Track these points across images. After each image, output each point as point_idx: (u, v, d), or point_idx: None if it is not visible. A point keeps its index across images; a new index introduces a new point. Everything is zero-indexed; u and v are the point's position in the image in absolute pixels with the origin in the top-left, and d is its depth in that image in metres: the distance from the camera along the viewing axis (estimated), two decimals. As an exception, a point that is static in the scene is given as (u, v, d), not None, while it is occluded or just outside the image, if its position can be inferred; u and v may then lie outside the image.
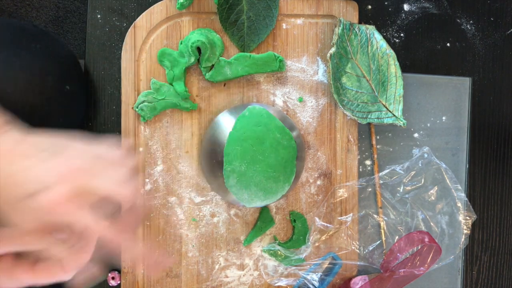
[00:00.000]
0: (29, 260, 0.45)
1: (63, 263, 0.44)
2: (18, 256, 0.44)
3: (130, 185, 0.44)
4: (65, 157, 0.43)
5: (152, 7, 0.66)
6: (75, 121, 0.67)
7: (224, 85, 0.68)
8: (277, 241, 0.68)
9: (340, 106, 0.67)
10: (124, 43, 0.66)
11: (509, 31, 0.73)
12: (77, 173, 0.42)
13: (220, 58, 0.66)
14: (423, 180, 0.70)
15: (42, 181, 0.41)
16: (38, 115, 0.61)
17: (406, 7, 0.72)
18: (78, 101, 0.66)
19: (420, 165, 0.70)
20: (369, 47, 0.68)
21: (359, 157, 0.70)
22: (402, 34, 0.72)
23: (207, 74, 0.66)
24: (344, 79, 0.68)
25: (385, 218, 0.70)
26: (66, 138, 0.45)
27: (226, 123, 0.65)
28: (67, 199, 0.40)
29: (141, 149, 0.67)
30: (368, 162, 0.71)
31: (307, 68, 0.69)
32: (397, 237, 0.70)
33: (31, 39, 0.61)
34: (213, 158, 0.65)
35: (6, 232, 0.42)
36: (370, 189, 0.70)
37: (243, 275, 0.68)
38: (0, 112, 0.44)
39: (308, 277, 0.68)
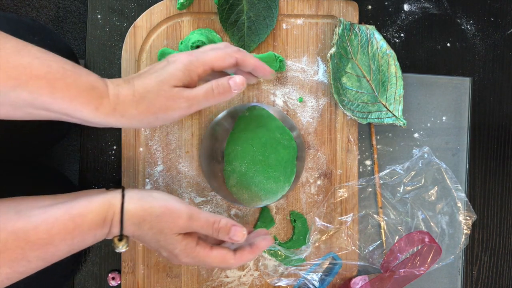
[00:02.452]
0: (208, 244, 0.54)
1: (236, 255, 0.54)
2: (200, 239, 0.54)
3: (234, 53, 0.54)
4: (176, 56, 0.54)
5: (152, 7, 0.66)
6: None
7: (224, 85, 0.67)
8: (277, 241, 0.68)
9: (340, 106, 0.67)
10: (124, 43, 0.66)
11: (509, 31, 0.73)
12: (190, 53, 0.54)
13: (220, 58, 0.66)
14: (423, 180, 0.70)
15: (165, 61, 0.53)
16: None
17: (406, 7, 0.72)
18: None
19: (420, 165, 0.70)
20: (369, 47, 0.68)
21: (359, 157, 0.70)
22: (402, 34, 0.72)
23: (207, 74, 0.66)
24: (344, 79, 0.68)
25: (385, 218, 0.70)
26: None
27: (226, 123, 0.65)
28: (190, 53, 0.53)
29: (141, 149, 0.67)
30: (368, 162, 0.71)
31: (307, 68, 0.69)
32: (397, 237, 0.70)
33: (29, 32, 0.61)
34: (213, 158, 0.65)
35: None
36: (370, 189, 0.70)
37: (243, 275, 0.68)
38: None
39: (308, 277, 0.68)
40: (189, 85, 0.53)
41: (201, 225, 0.53)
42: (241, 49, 0.56)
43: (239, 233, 0.54)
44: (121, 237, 0.51)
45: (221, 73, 0.57)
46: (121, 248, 0.52)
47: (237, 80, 0.53)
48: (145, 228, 0.51)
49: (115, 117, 0.49)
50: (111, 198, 0.51)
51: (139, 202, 0.51)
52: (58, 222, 0.47)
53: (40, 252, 0.47)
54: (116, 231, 0.51)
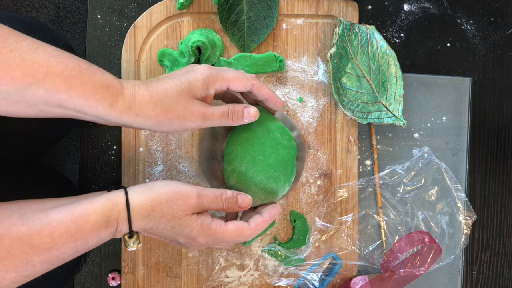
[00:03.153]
0: (222, 219, 0.56)
1: (250, 225, 0.56)
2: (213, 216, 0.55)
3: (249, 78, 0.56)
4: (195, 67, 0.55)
5: (152, 7, 0.66)
6: None
7: (224, 85, 0.68)
8: (277, 241, 0.68)
9: (340, 106, 0.67)
10: (124, 43, 0.66)
11: (509, 31, 0.73)
12: (210, 67, 0.55)
13: (220, 58, 0.66)
14: (423, 180, 0.70)
15: (187, 69, 0.54)
16: None
17: (406, 7, 0.72)
18: None
19: (420, 165, 0.70)
20: (369, 47, 0.68)
21: (359, 157, 0.70)
22: (402, 34, 0.72)
23: (207, 74, 0.66)
24: (344, 79, 0.68)
25: (385, 218, 0.70)
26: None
27: None
28: (210, 68, 0.54)
29: (141, 149, 0.67)
30: (368, 162, 0.71)
31: (307, 68, 0.69)
32: (397, 237, 0.70)
33: (30, 30, 0.61)
34: (213, 158, 0.65)
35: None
36: (370, 189, 0.70)
37: (244, 275, 0.68)
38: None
39: (308, 277, 0.68)
40: (205, 99, 0.54)
41: (210, 200, 0.54)
42: (257, 78, 0.58)
43: (246, 199, 0.57)
44: (131, 234, 0.51)
45: (232, 97, 0.60)
46: (133, 245, 0.51)
47: (251, 112, 0.56)
48: (157, 218, 0.51)
49: (129, 116, 0.50)
50: (114, 197, 0.51)
51: (144, 194, 0.51)
52: (60, 226, 0.47)
53: (44, 256, 0.47)
54: (124, 228, 0.50)
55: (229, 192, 0.56)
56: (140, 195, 0.51)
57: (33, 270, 0.47)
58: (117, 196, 0.51)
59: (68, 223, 0.48)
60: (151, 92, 0.51)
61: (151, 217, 0.51)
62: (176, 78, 0.53)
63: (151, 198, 0.51)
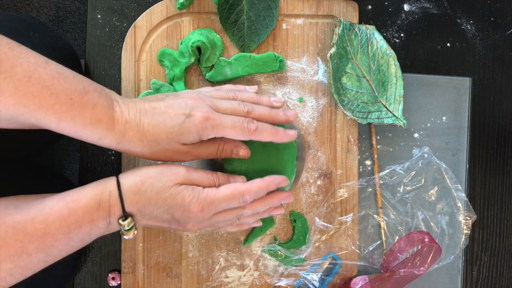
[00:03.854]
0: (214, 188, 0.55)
1: (246, 183, 0.55)
2: None
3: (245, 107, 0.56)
4: (187, 94, 0.56)
5: (152, 7, 0.66)
6: None
7: (224, 85, 0.68)
8: (277, 241, 0.68)
9: (340, 106, 0.67)
10: (124, 43, 0.66)
11: (509, 31, 0.73)
12: (203, 98, 0.55)
13: (220, 58, 0.66)
14: (423, 180, 0.70)
15: (184, 110, 0.53)
16: None
17: (406, 7, 0.72)
18: None
19: (420, 165, 0.70)
20: (369, 47, 0.68)
21: (359, 157, 0.70)
22: (402, 34, 0.72)
23: (207, 74, 0.66)
24: (344, 79, 0.68)
25: (385, 218, 0.70)
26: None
27: None
28: (209, 113, 0.53)
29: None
30: (368, 162, 0.71)
31: (307, 68, 0.69)
32: (397, 237, 0.70)
33: (30, 29, 0.61)
34: (213, 159, 0.64)
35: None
36: (370, 189, 0.70)
37: (244, 275, 0.68)
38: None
39: (308, 277, 0.68)
40: (194, 143, 0.54)
41: (201, 175, 0.54)
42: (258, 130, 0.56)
43: (238, 179, 0.56)
44: (125, 215, 0.51)
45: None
46: (127, 229, 0.51)
47: (240, 152, 0.56)
48: (147, 191, 0.51)
49: (117, 148, 0.52)
50: (105, 181, 0.52)
51: (134, 172, 0.53)
52: (53, 211, 0.48)
53: (38, 243, 0.47)
54: (117, 210, 0.50)
55: (219, 173, 0.56)
56: (129, 174, 0.52)
57: (29, 260, 0.47)
58: (108, 180, 0.52)
59: (60, 208, 0.48)
60: (141, 134, 0.51)
61: (142, 191, 0.51)
62: (170, 121, 0.52)
63: (141, 174, 0.52)
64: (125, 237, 0.52)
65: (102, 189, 0.50)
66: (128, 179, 0.52)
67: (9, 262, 0.46)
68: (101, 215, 0.50)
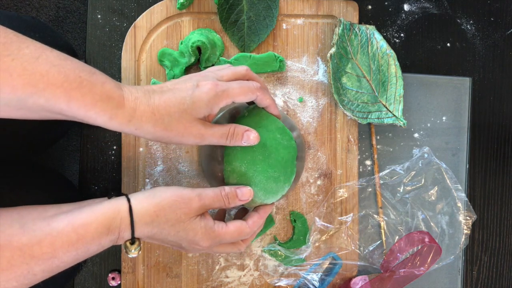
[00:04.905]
0: (222, 221, 0.57)
1: (248, 223, 0.57)
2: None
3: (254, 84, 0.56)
4: (193, 76, 0.55)
5: (152, 7, 0.66)
6: None
7: (224, 85, 0.68)
8: (277, 241, 0.68)
9: (340, 106, 0.67)
10: (124, 43, 0.66)
11: (509, 31, 0.73)
12: (209, 71, 0.56)
13: (221, 58, 0.66)
14: (423, 180, 0.70)
15: (191, 83, 0.53)
16: None
17: (406, 7, 0.72)
18: None
19: (420, 165, 0.70)
20: (369, 47, 0.68)
21: (359, 157, 0.70)
22: (402, 34, 0.72)
23: (207, 74, 0.66)
24: (344, 79, 0.68)
25: (385, 218, 0.70)
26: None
27: (226, 122, 0.65)
28: (216, 84, 0.53)
29: (141, 149, 0.67)
30: (368, 162, 0.71)
31: (307, 68, 0.69)
32: (397, 237, 0.70)
33: (30, 29, 0.61)
34: (213, 158, 0.64)
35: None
36: (370, 189, 0.70)
37: (244, 275, 0.68)
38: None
39: (308, 277, 0.68)
40: (208, 117, 0.55)
41: (212, 198, 0.54)
42: (262, 85, 0.58)
43: (245, 191, 0.57)
44: (133, 240, 0.51)
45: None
46: (134, 251, 0.51)
47: (251, 137, 0.56)
48: (161, 223, 0.51)
49: (129, 128, 0.50)
50: (116, 205, 0.50)
51: (147, 200, 0.52)
52: (61, 235, 0.47)
53: (45, 266, 0.47)
54: (127, 235, 0.50)
55: (227, 188, 0.56)
56: (143, 201, 0.51)
57: (34, 279, 0.47)
58: (119, 203, 0.51)
59: (69, 233, 0.48)
60: (152, 108, 0.50)
61: (155, 223, 0.51)
62: (180, 93, 0.52)
63: (154, 204, 0.51)
64: (130, 256, 0.52)
65: (113, 214, 0.50)
66: (141, 206, 0.51)
67: (15, 282, 0.46)
68: (109, 239, 0.50)
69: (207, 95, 0.52)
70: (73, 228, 0.48)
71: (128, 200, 0.51)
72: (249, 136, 0.56)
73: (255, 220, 0.58)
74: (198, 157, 0.67)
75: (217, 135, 0.54)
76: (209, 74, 0.55)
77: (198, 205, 0.53)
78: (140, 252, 0.53)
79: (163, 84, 0.54)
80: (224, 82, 0.54)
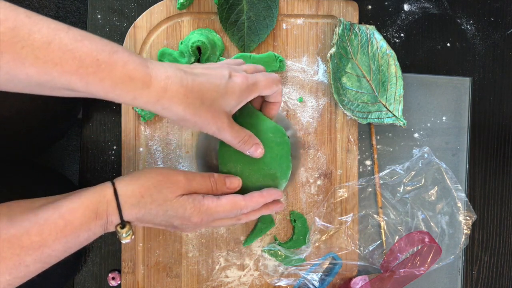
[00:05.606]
0: (214, 196, 0.55)
1: (246, 196, 0.55)
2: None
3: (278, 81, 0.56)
4: (218, 65, 0.55)
5: (152, 7, 0.66)
6: (73, 111, 0.67)
7: (224, 85, 0.68)
8: (277, 241, 0.68)
9: (340, 106, 0.67)
10: (124, 43, 0.66)
11: (509, 31, 0.73)
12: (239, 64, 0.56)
13: (221, 58, 0.66)
14: (423, 180, 0.70)
15: (223, 75, 0.51)
16: (37, 103, 0.61)
17: (406, 7, 0.72)
18: None
19: (420, 165, 0.70)
20: (369, 47, 0.68)
21: (359, 157, 0.70)
22: (402, 34, 0.72)
23: (207, 74, 0.66)
24: (344, 79, 0.68)
25: (385, 218, 0.70)
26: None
27: None
28: (246, 77, 0.52)
29: (141, 149, 0.67)
30: (368, 162, 0.71)
31: (307, 68, 0.69)
32: (397, 237, 0.70)
33: None
34: (208, 159, 0.65)
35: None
36: (370, 189, 0.70)
37: (244, 275, 0.68)
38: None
39: (308, 277, 0.68)
40: (232, 111, 0.54)
41: (199, 182, 0.54)
42: (279, 78, 0.58)
43: (234, 181, 0.57)
44: (123, 224, 0.51)
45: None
46: (126, 236, 0.51)
47: (258, 151, 0.57)
48: (148, 203, 0.51)
49: (155, 107, 0.48)
50: (101, 189, 0.50)
51: (131, 182, 0.51)
52: (49, 223, 0.47)
53: (35, 255, 0.47)
54: (115, 219, 0.50)
55: (216, 175, 0.56)
56: (128, 183, 0.51)
57: (27, 270, 0.47)
58: (103, 188, 0.50)
59: (56, 220, 0.47)
60: (185, 89, 0.48)
61: (141, 204, 0.50)
62: (215, 80, 0.51)
63: (139, 185, 0.51)
64: (123, 241, 0.52)
65: (99, 198, 0.49)
66: (126, 188, 0.51)
67: (7, 275, 0.46)
68: (98, 224, 0.49)
69: (239, 87, 0.51)
70: (59, 215, 0.47)
71: (113, 184, 0.51)
72: (256, 150, 0.56)
73: (254, 195, 0.56)
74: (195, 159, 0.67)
75: (234, 135, 0.54)
76: (234, 66, 0.55)
77: (184, 184, 0.52)
78: (133, 237, 0.52)
79: (193, 66, 0.52)
80: (251, 75, 0.54)
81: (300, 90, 0.68)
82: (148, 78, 0.46)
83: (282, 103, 0.68)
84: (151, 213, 0.51)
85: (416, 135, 0.72)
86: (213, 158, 0.63)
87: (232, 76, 0.52)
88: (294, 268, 0.68)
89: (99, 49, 0.45)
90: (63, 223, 0.47)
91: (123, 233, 0.51)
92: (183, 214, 0.52)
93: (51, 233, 0.47)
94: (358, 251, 0.69)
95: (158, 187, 0.51)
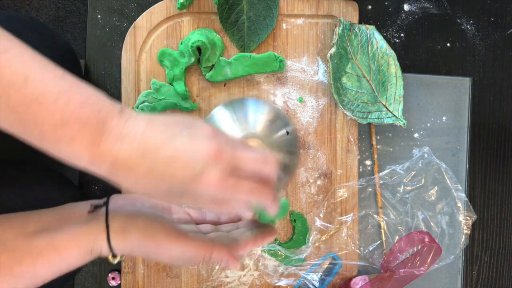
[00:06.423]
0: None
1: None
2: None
3: (272, 160, 0.44)
4: (203, 137, 0.42)
5: (152, 7, 0.66)
6: None
7: (224, 85, 0.68)
8: (277, 241, 0.68)
9: (340, 106, 0.67)
10: (124, 43, 0.66)
11: (509, 31, 0.73)
12: (224, 150, 0.41)
13: (220, 58, 0.66)
14: (423, 180, 0.70)
15: (195, 165, 0.40)
16: None
17: (406, 7, 0.72)
18: None
19: (420, 165, 0.70)
20: (369, 47, 0.68)
21: (359, 157, 0.70)
22: (402, 34, 0.72)
23: (207, 74, 0.66)
24: (344, 79, 0.68)
25: (385, 218, 0.70)
26: (184, 117, 0.45)
27: (221, 117, 0.65)
28: (223, 181, 0.41)
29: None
30: (368, 162, 0.71)
31: (307, 68, 0.69)
32: (397, 237, 0.70)
33: (28, 30, 0.61)
34: None
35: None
36: (370, 189, 0.70)
37: (244, 275, 0.68)
38: (110, 99, 0.43)
39: (308, 277, 0.68)
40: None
41: (195, 253, 0.50)
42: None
43: (233, 264, 0.50)
44: (114, 255, 0.50)
45: None
46: (115, 261, 0.51)
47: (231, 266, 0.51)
48: (144, 251, 0.50)
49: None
50: (95, 231, 0.49)
51: (126, 231, 0.49)
52: (42, 256, 0.47)
53: (28, 282, 0.47)
54: (106, 253, 0.50)
55: (215, 254, 0.49)
56: (120, 236, 0.49)
57: None
58: (98, 231, 0.49)
59: (50, 255, 0.47)
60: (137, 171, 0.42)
61: (136, 250, 0.50)
62: (178, 171, 0.41)
63: (134, 237, 0.49)
64: (112, 262, 0.51)
65: (93, 240, 0.48)
66: (117, 241, 0.48)
67: None
68: (91, 257, 0.49)
69: (207, 191, 0.41)
70: (54, 249, 0.47)
71: (107, 226, 0.49)
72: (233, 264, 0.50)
73: (247, 244, 0.51)
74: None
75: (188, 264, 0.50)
76: (226, 148, 0.42)
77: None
78: (123, 258, 0.53)
79: (172, 132, 0.42)
80: (235, 178, 0.42)
81: (300, 90, 0.68)
82: (99, 155, 0.41)
83: (282, 103, 0.68)
84: (149, 253, 0.51)
85: (416, 135, 0.71)
86: None
87: (206, 169, 0.40)
88: (294, 268, 0.68)
89: (46, 118, 0.40)
90: (57, 258, 0.47)
91: (114, 261, 0.51)
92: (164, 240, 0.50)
93: (43, 266, 0.47)
94: (358, 251, 0.69)
95: (154, 236, 0.49)
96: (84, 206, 0.52)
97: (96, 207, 0.51)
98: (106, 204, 0.51)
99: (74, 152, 0.40)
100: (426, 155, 0.70)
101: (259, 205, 0.45)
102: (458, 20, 0.72)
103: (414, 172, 0.70)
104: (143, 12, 0.66)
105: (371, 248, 0.70)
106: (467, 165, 0.73)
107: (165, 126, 0.42)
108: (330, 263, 0.69)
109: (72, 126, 0.39)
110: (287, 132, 0.65)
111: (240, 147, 0.43)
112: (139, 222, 0.49)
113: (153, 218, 0.51)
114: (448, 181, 0.70)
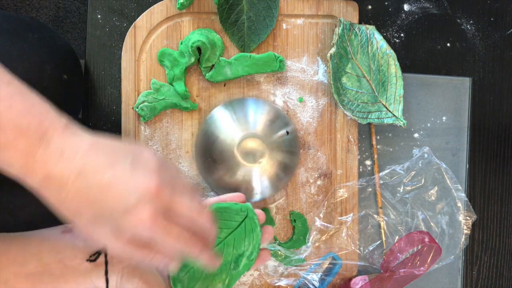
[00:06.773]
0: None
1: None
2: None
3: (205, 212, 0.45)
4: (146, 170, 0.41)
5: (152, 7, 0.66)
6: (74, 111, 0.67)
7: (224, 85, 0.68)
8: (277, 241, 0.68)
9: (340, 106, 0.67)
10: (124, 43, 0.66)
11: (509, 31, 0.73)
12: (163, 189, 0.41)
13: (220, 58, 0.66)
14: (423, 180, 0.70)
15: (129, 197, 0.39)
16: None
17: (406, 7, 0.72)
18: (76, 91, 0.65)
19: (420, 165, 0.70)
20: (369, 47, 0.68)
21: (359, 157, 0.70)
22: (402, 34, 0.72)
23: (207, 74, 0.66)
24: (344, 79, 0.68)
25: (385, 218, 0.70)
26: (133, 145, 0.45)
27: (221, 117, 0.65)
28: (154, 220, 0.40)
29: (141, 149, 0.66)
30: (368, 162, 0.71)
31: (307, 68, 0.69)
32: (397, 237, 0.70)
33: (28, 30, 0.61)
34: (207, 157, 0.65)
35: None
36: (370, 189, 0.70)
37: (243, 275, 0.68)
38: (57, 112, 0.42)
39: (308, 277, 0.68)
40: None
41: None
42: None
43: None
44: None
45: None
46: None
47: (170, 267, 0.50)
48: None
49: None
50: (97, 280, 0.49)
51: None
52: None
53: None
54: None
55: None
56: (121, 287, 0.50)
57: None
58: (98, 278, 0.49)
59: None
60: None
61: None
62: (111, 203, 0.40)
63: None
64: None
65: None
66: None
67: None
68: None
69: (135, 227, 0.40)
70: None
71: (107, 281, 0.49)
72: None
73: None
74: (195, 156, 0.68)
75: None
76: (166, 187, 0.41)
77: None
78: None
79: (115, 159, 0.41)
80: (166, 221, 0.41)
81: (300, 90, 0.68)
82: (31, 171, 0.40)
83: (282, 103, 0.68)
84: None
85: (416, 135, 0.72)
86: (213, 155, 0.63)
87: (139, 206, 0.39)
88: (294, 268, 0.68)
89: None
90: None
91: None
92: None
93: None
94: (358, 251, 0.69)
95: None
96: (82, 248, 0.50)
97: (96, 255, 0.50)
98: (105, 253, 0.50)
99: (6, 158, 0.39)
100: (426, 155, 0.70)
101: (186, 254, 0.44)
102: (458, 20, 0.72)
103: (414, 172, 0.70)
104: (143, 12, 0.66)
105: (371, 248, 0.70)
106: (467, 165, 0.73)
107: (110, 151, 0.41)
108: (330, 263, 0.69)
109: (9, 133, 0.38)
110: (287, 132, 0.65)
111: (181, 191, 0.42)
112: (138, 273, 0.50)
113: (150, 271, 0.51)
114: (448, 181, 0.70)
